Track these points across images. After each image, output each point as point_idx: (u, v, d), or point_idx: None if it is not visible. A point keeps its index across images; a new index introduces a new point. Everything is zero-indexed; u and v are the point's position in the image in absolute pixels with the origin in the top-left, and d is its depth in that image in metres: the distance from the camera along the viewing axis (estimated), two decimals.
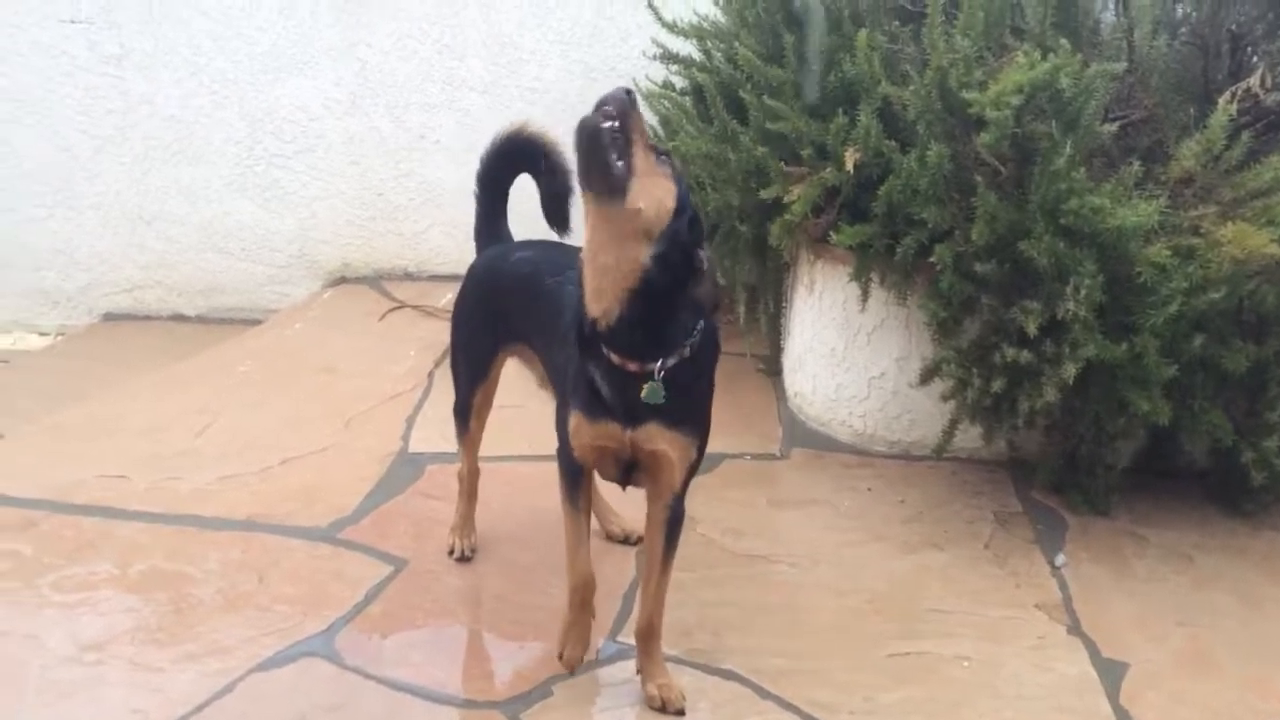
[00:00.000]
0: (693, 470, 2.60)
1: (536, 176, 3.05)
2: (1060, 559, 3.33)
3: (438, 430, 3.94)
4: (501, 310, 3.04)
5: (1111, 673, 2.86)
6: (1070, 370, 3.14)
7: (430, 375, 4.35)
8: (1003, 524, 3.51)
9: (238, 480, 3.62)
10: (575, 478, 2.70)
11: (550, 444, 3.78)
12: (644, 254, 2.30)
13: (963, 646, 2.93)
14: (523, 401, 4.13)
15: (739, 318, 4.34)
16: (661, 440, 2.49)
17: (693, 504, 2.89)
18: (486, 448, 3.83)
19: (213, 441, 3.87)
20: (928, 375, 3.56)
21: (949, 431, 3.63)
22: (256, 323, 4.94)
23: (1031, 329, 3.17)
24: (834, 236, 3.54)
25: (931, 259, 3.33)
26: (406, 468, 3.73)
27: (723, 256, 4.18)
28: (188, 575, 3.14)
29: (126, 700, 2.68)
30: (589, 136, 2.27)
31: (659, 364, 2.40)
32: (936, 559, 3.34)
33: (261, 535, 3.34)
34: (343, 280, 5.17)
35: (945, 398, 3.54)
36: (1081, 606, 3.11)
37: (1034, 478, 3.69)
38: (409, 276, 5.17)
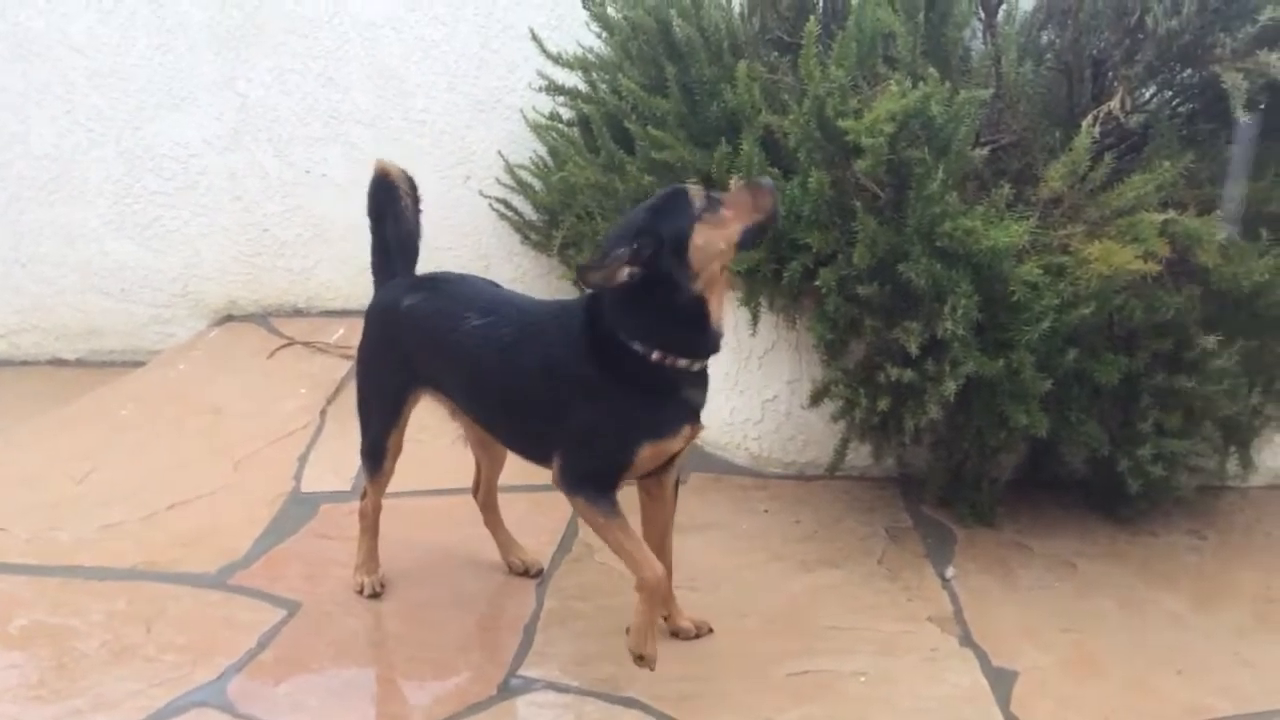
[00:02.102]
0: None
1: (393, 216, 3.11)
2: (950, 571, 3.41)
3: (331, 469, 3.89)
4: (406, 354, 3.03)
5: (1002, 681, 2.94)
6: (951, 387, 3.23)
7: (323, 413, 4.28)
8: (894, 539, 3.59)
9: (121, 528, 3.52)
10: (613, 497, 2.73)
11: (446, 478, 3.79)
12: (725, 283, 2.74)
13: (859, 662, 2.98)
14: (415, 435, 4.11)
15: None
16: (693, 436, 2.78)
17: (590, 532, 2.90)
18: None
19: (95, 489, 3.75)
20: (818, 396, 3.62)
21: (840, 451, 3.69)
22: (140, 365, 4.80)
23: (913, 348, 3.26)
24: None
25: (817, 283, 3.40)
26: (299, 508, 3.66)
27: None
28: (72, 628, 3.04)
29: None
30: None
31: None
32: (832, 576, 3.40)
33: (148, 584, 3.25)
34: (229, 318, 5.06)
35: (835, 418, 3.61)
36: (971, 617, 3.19)
37: (923, 493, 3.78)
38: (298, 313, 5.08)
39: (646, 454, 2.68)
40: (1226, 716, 2.81)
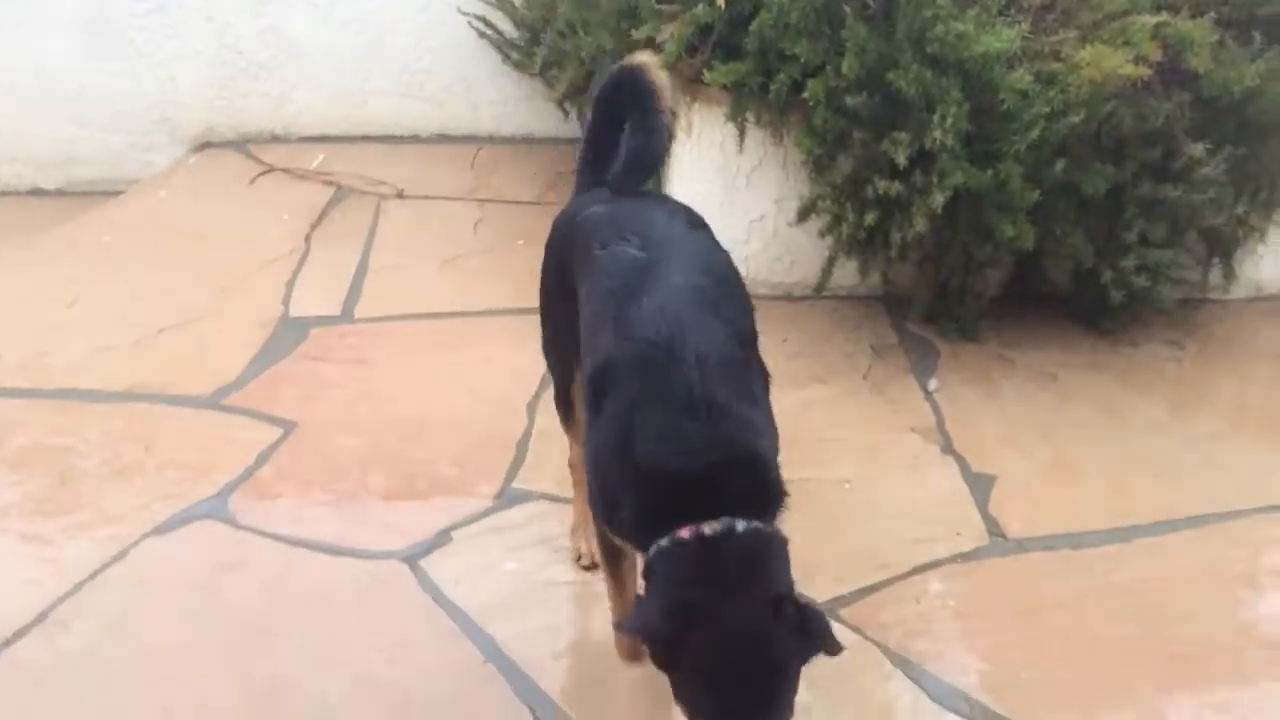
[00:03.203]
0: None
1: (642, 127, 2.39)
2: (933, 384, 3.47)
3: (319, 294, 3.89)
4: (572, 279, 2.35)
5: (981, 486, 3.03)
6: (938, 199, 3.22)
7: (307, 239, 4.25)
8: (880, 355, 3.63)
9: (113, 352, 3.53)
10: (618, 556, 2.24)
11: (435, 301, 3.81)
12: None
13: (844, 471, 3.06)
14: (402, 261, 4.12)
15: None
16: None
17: None
18: (369, 309, 3.82)
19: (84, 314, 3.75)
20: (804, 213, 3.61)
21: (827, 269, 3.70)
22: (119, 194, 4.73)
23: (901, 160, 3.23)
24: (708, 75, 3.52)
25: (805, 95, 3.35)
26: (290, 332, 3.67)
27: None
28: (71, 448, 3.09)
29: (19, 571, 2.67)
30: None
31: None
32: (819, 392, 3.45)
33: (144, 405, 3.28)
34: (208, 145, 4.96)
35: (822, 234, 3.60)
36: (953, 427, 3.27)
37: (908, 309, 3.80)
38: (277, 139, 4.98)
39: None
40: (1198, 515, 2.92)
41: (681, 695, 1.82)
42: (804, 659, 1.80)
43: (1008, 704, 2.37)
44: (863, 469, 3.08)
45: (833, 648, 1.81)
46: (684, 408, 1.87)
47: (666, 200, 2.50)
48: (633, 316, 2.00)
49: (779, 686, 1.79)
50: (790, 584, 1.88)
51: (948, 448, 3.18)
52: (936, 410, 3.35)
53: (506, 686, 2.41)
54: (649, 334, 1.96)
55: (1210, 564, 2.78)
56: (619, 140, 2.42)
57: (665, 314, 1.97)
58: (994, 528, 2.87)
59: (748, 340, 2.14)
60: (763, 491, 1.92)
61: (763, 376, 2.14)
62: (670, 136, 2.40)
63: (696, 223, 2.33)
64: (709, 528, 1.82)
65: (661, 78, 2.38)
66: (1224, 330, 3.79)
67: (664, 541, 1.84)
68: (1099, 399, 3.41)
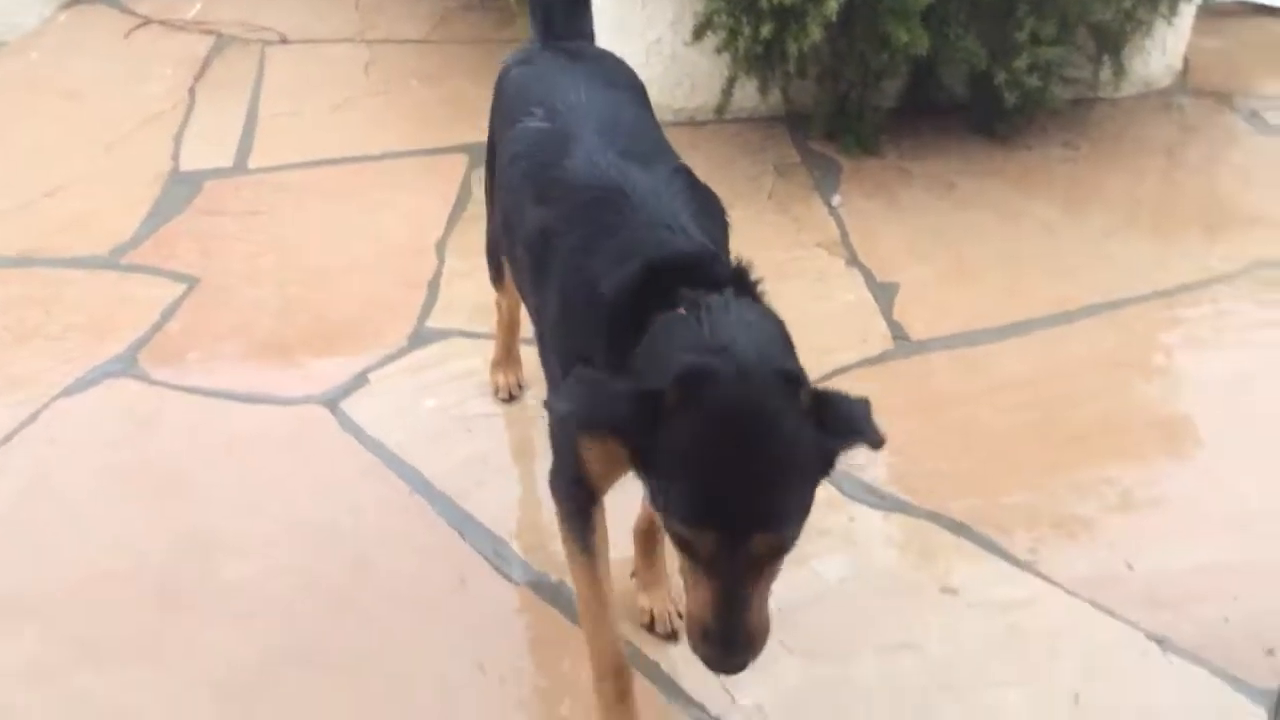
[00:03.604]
0: None
1: None
2: (836, 199, 3.51)
3: (210, 146, 3.77)
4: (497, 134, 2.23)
5: (885, 294, 3.10)
6: (832, 6, 3.20)
7: (191, 91, 4.09)
8: (783, 175, 3.65)
9: (1, 218, 3.41)
10: (584, 506, 1.87)
11: (332, 147, 3.72)
12: None
13: None
14: (293, 108, 4.00)
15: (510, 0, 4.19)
16: None
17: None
18: (263, 159, 3.73)
19: None
20: (700, 30, 3.55)
21: (728, 90, 3.67)
22: None
23: None
24: None
25: None
26: (182, 187, 3.57)
27: None
28: None
29: None
30: None
31: None
32: None
33: (39, 269, 3.20)
34: (76, 1, 4.71)
35: (719, 51, 3.56)
36: (857, 240, 3.32)
37: (809, 128, 3.81)
38: None
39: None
40: (1090, 305, 3.04)
41: (659, 471, 1.48)
42: (828, 457, 1.49)
43: (915, 493, 2.48)
44: (771, 285, 3.05)
45: (873, 438, 1.49)
46: (645, 226, 1.68)
47: (593, 56, 2.24)
48: (559, 178, 1.81)
49: (789, 477, 1.44)
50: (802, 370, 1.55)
51: (852, 260, 3.24)
52: (840, 224, 3.39)
53: (435, 515, 2.46)
54: (586, 181, 1.77)
55: (1103, 351, 2.90)
56: None
57: (596, 164, 1.79)
58: (898, 332, 2.96)
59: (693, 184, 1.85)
60: (745, 279, 1.68)
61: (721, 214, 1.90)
62: None
63: (617, 82, 2.14)
64: (700, 298, 1.54)
65: None
66: (1116, 128, 3.86)
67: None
68: (995, 203, 3.48)
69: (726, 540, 1.42)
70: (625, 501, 1.97)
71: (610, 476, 1.80)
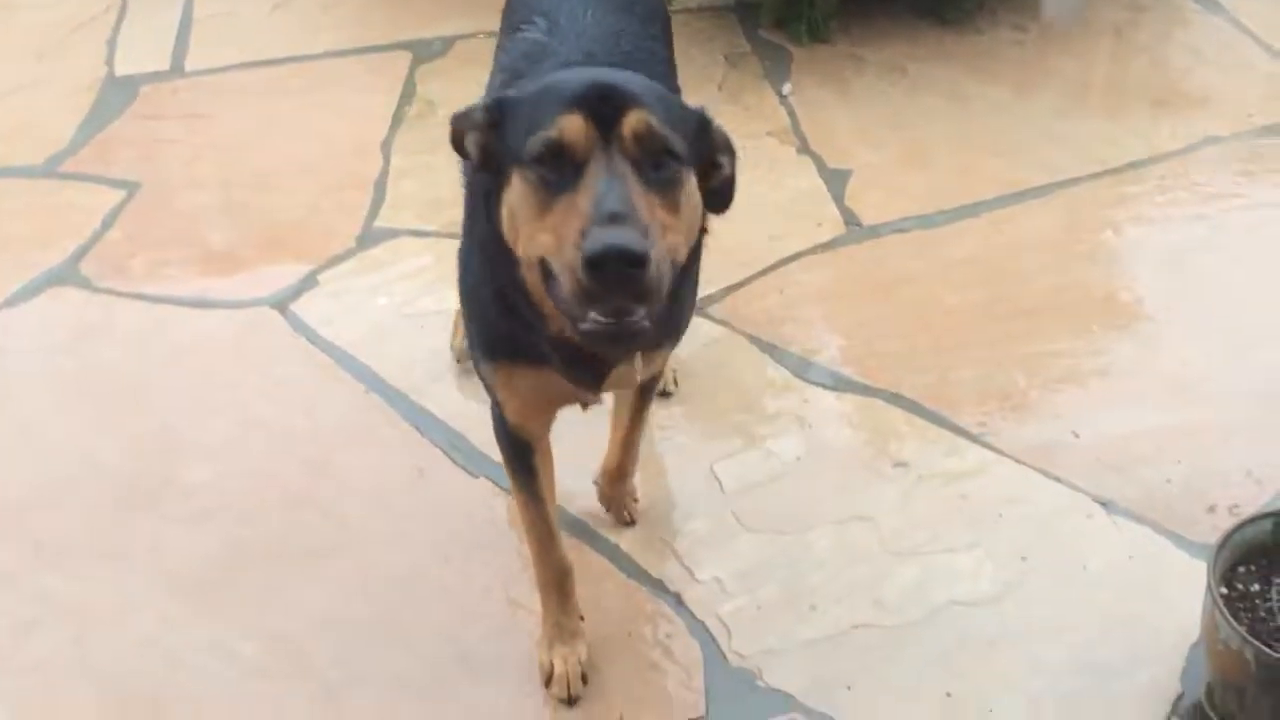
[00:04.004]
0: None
1: None
2: (786, 88, 3.47)
3: (146, 50, 3.67)
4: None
5: (837, 180, 3.09)
6: None
7: None
8: (733, 65, 3.60)
9: None
10: (521, 453, 1.85)
11: (269, 47, 3.62)
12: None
13: None
14: (229, 7, 3.89)
15: None
16: (643, 373, 1.75)
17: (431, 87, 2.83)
18: (201, 61, 3.64)
19: None
20: None
21: None
22: None
23: None
24: None
25: None
26: (117, 92, 3.48)
27: None
28: None
29: None
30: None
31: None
32: None
33: None
34: None
35: None
36: (808, 128, 3.30)
37: (759, 17, 3.75)
38: None
39: (515, 381, 1.74)
40: (1040, 185, 3.05)
41: (516, 134, 1.42)
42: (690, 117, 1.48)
43: (869, 373, 2.51)
44: None
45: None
46: None
47: None
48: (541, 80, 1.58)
49: (649, 90, 1.42)
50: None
51: (804, 148, 3.22)
52: (791, 113, 3.36)
53: (391, 411, 2.46)
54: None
55: (1052, 229, 2.92)
56: None
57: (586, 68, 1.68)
58: (850, 218, 2.96)
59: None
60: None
61: None
62: None
63: (633, 7, 1.99)
64: None
65: None
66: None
67: None
68: (946, 88, 3.46)
69: (598, 125, 1.35)
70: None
71: (536, 414, 1.80)
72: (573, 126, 1.35)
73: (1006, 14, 3.75)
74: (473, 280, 1.71)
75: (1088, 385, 2.48)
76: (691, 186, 1.44)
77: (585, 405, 1.82)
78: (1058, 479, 2.27)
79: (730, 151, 1.56)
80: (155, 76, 3.54)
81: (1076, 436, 2.35)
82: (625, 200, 1.31)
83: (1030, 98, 3.41)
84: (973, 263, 2.81)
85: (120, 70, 3.57)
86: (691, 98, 3.25)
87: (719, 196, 1.58)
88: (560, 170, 1.36)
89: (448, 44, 3.64)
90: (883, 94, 3.45)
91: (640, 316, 1.32)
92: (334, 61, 3.62)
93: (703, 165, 1.50)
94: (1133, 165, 3.12)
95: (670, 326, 1.70)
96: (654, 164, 1.37)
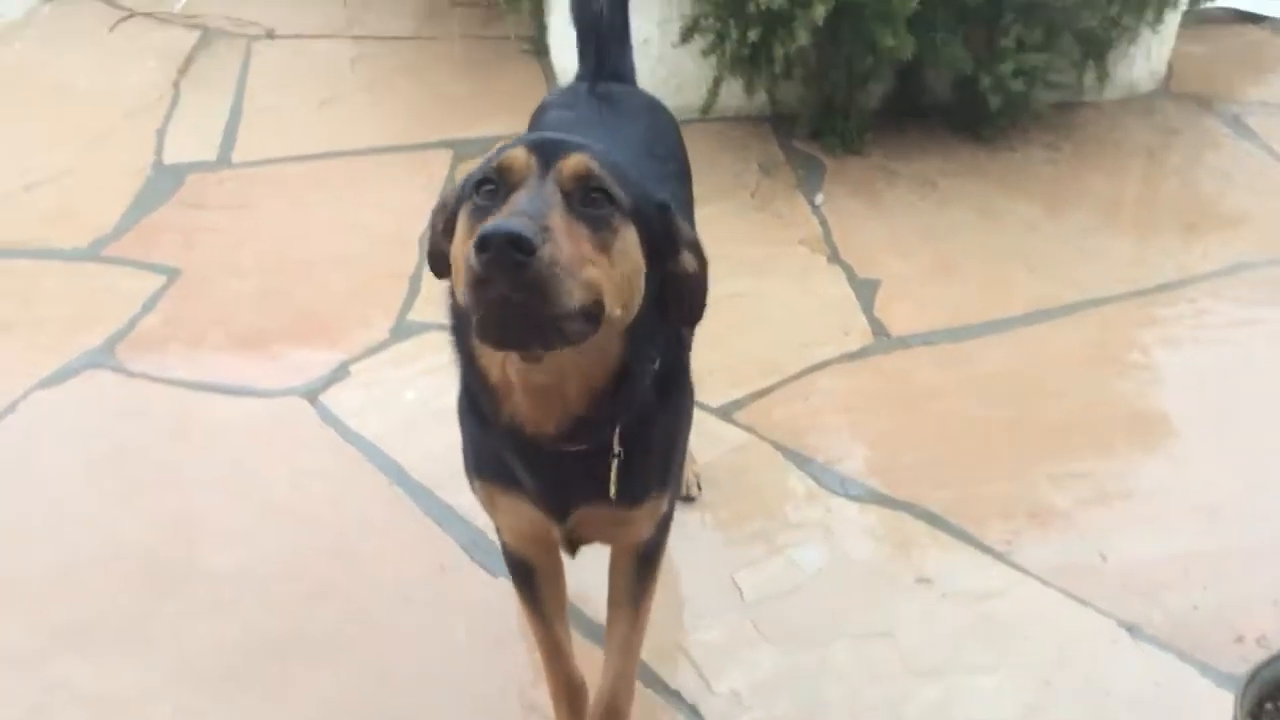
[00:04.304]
0: (669, 511, 1.80)
1: None
2: (819, 198, 3.53)
3: (194, 139, 3.77)
4: None
5: (867, 290, 3.12)
6: (820, 11, 3.22)
7: (175, 85, 4.09)
8: (767, 173, 3.66)
9: None
10: (522, 573, 1.86)
11: (312, 143, 3.72)
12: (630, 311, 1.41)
13: (735, 285, 3.12)
14: (278, 102, 4.00)
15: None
16: (620, 521, 1.70)
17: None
18: (247, 153, 3.73)
19: None
20: (688, 32, 3.58)
21: (714, 90, 3.69)
22: None
23: None
24: None
25: None
26: (164, 179, 3.57)
27: None
28: None
29: None
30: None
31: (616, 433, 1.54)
32: (707, 211, 3.40)
33: (18, 261, 3.19)
34: None
35: (705, 54, 3.58)
36: (839, 237, 3.34)
37: (794, 128, 3.83)
38: None
39: (497, 503, 1.73)
40: (1069, 304, 3.06)
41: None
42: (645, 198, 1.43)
43: (894, 485, 2.50)
44: (753, 281, 3.14)
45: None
46: None
47: (636, 109, 2.16)
48: None
49: (607, 159, 1.40)
50: None
51: (834, 257, 3.26)
52: (823, 222, 3.41)
53: (414, 505, 2.46)
54: None
55: (1081, 347, 2.92)
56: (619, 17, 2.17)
57: None
58: (879, 328, 2.98)
59: None
60: None
61: None
62: None
63: (658, 153, 2.06)
64: None
65: None
66: (1098, 131, 3.89)
67: None
68: (978, 203, 3.50)
69: (540, 159, 1.34)
70: None
71: (524, 542, 1.78)
72: (515, 154, 1.36)
73: (1039, 133, 3.81)
74: (460, 390, 1.68)
75: (1114, 506, 2.46)
76: (630, 240, 1.38)
77: (571, 548, 1.73)
78: (1083, 601, 2.23)
79: (697, 251, 1.49)
80: (202, 166, 3.64)
81: (1103, 559, 2.32)
82: (535, 205, 1.28)
83: (1061, 216, 3.44)
84: (1001, 378, 2.81)
85: (169, 158, 3.67)
86: (724, 205, 3.36)
87: (684, 301, 1.50)
88: (495, 197, 1.35)
89: (488, 144, 3.72)
90: (914, 207, 3.50)
91: (528, 300, 1.24)
92: (377, 157, 3.71)
93: (658, 245, 1.44)
94: (1163, 287, 3.13)
95: (647, 463, 1.63)
96: (586, 200, 1.34)
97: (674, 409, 1.67)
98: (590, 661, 2.00)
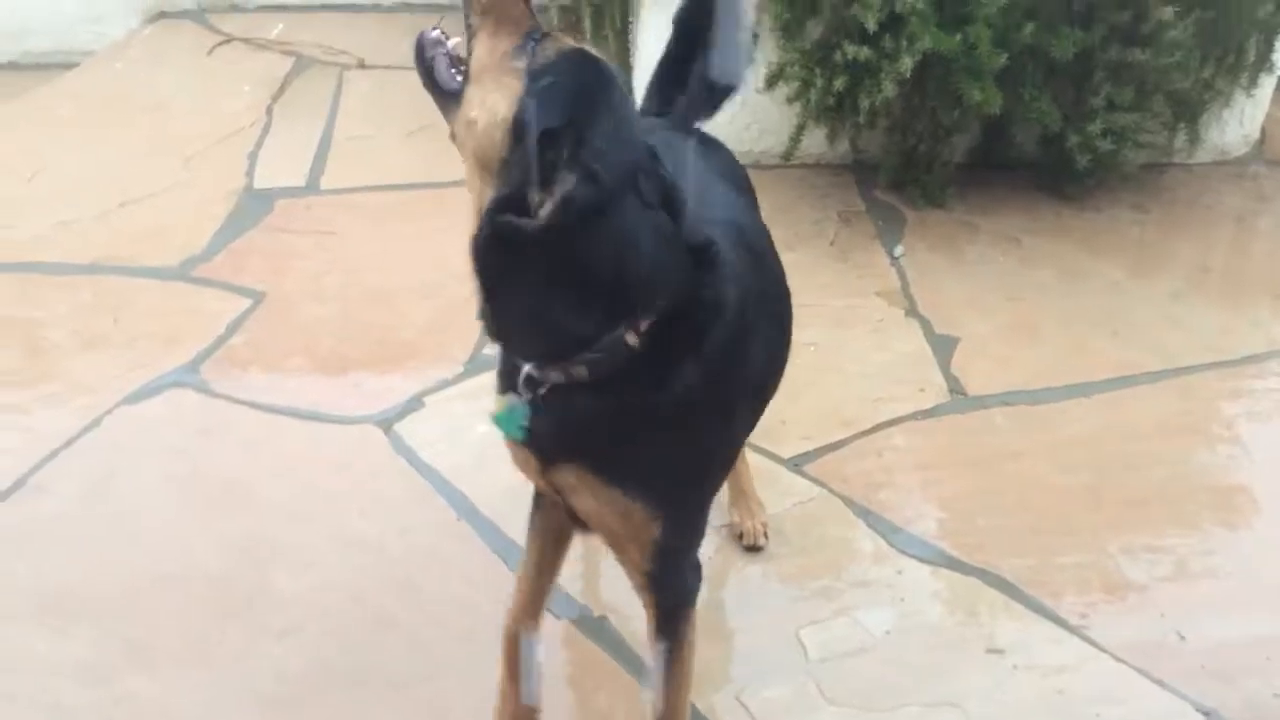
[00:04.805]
0: (669, 544, 1.71)
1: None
2: (899, 250, 3.50)
3: (284, 165, 3.85)
4: None
5: (944, 346, 3.09)
6: (907, 64, 3.21)
7: (269, 110, 4.18)
8: (847, 222, 3.65)
9: (77, 225, 3.50)
10: (535, 496, 1.98)
11: (401, 173, 3.78)
12: (484, 195, 1.55)
13: (811, 334, 3.10)
14: (367, 131, 4.08)
15: (585, 34, 4.25)
16: (587, 493, 1.67)
17: None
18: (336, 180, 3.80)
19: (44, 187, 3.70)
20: (773, 79, 3.58)
21: (796, 137, 3.69)
22: (74, 66, 4.62)
23: (871, 24, 3.21)
24: None
25: None
26: (255, 203, 3.64)
27: None
28: (38, 320, 3.08)
29: None
30: (418, 40, 1.62)
31: (524, 373, 1.60)
32: (787, 259, 3.40)
33: (110, 278, 3.27)
34: (162, 15, 4.83)
35: (790, 101, 3.58)
36: (918, 291, 3.31)
37: (876, 177, 3.81)
38: (235, 8, 4.86)
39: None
40: (1153, 371, 3.00)
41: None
42: None
43: (965, 549, 2.46)
44: (829, 332, 3.12)
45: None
46: None
47: (710, 157, 2.11)
48: None
49: None
50: None
51: (912, 311, 3.23)
52: (902, 275, 3.39)
53: (480, 541, 2.48)
54: None
55: (1164, 416, 2.86)
56: (693, 62, 2.03)
57: None
58: (955, 386, 2.94)
59: None
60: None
61: None
62: (748, 62, 2.20)
63: (727, 175, 2.06)
64: None
65: None
66: (1187, 194, 3.82)
67: None
68: (1061, 262, 3.45)
69: None
70: None
71: (520, 466, 1.79)
72: None
73: (1127, 193, 3.75)
74: None
75: (1196, 584, 2.40)
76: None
77: (571, 516, 1.77)
78: (1160, 682, 2.17)
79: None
80: (291, 191, 3.71)
81: (1181, 638, 2.27)
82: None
83: (1147, 280, 3.38)
84: (1080, 444, 2.76)
85: (259, 183, 3.74)
86: (803, 252, 3.35)
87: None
88: None
89: None
90: (995, 263, 3.46)
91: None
92: (462, 190, 3.71)
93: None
94: (1251, 358, 3.06)
95: (626, 458, 1.63)
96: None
97: (677, 405, 1.60)
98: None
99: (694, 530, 1.79)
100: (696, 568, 1.81)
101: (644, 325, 1.52)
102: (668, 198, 1.53)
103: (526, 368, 1.60)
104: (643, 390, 1.56)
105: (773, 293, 1.92)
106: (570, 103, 1.47)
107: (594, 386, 1.56)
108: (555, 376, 1.57)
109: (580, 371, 1.55)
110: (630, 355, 1.53)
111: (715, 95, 2.01)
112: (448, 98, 1.59)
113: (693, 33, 2.01)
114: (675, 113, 2.02)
